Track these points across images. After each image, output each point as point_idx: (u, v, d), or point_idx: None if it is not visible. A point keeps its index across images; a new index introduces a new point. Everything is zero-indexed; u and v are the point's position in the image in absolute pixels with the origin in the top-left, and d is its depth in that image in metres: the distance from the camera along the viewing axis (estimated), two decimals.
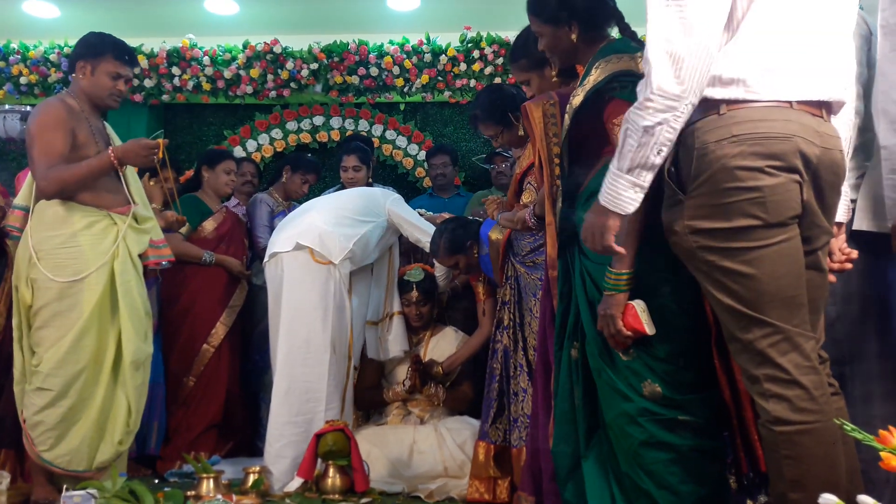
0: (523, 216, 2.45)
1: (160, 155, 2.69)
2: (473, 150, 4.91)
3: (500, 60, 4.67)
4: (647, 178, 1.48)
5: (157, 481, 3.17)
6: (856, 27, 1.63)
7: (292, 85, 4.78)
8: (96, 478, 2.52)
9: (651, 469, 1.67)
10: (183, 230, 3.52)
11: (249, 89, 4.79)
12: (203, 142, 5.01)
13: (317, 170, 4.26)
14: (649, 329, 1.66)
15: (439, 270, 3.48)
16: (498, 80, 4.60)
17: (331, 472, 2.80)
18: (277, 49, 4.74)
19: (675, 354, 1.70)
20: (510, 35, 4.36)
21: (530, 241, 2.64)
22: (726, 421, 1.77)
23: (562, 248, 1.97)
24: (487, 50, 4.68)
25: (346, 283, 3.17)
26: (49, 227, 2.62)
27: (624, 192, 1.49)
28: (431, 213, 3.58)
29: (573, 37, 1.89)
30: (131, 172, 2.84)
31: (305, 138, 4.91)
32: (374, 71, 4.74)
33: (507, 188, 2.94)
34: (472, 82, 4.72)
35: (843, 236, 1.75)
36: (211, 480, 2.62)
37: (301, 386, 3.02)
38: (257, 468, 2.86)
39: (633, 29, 1.94)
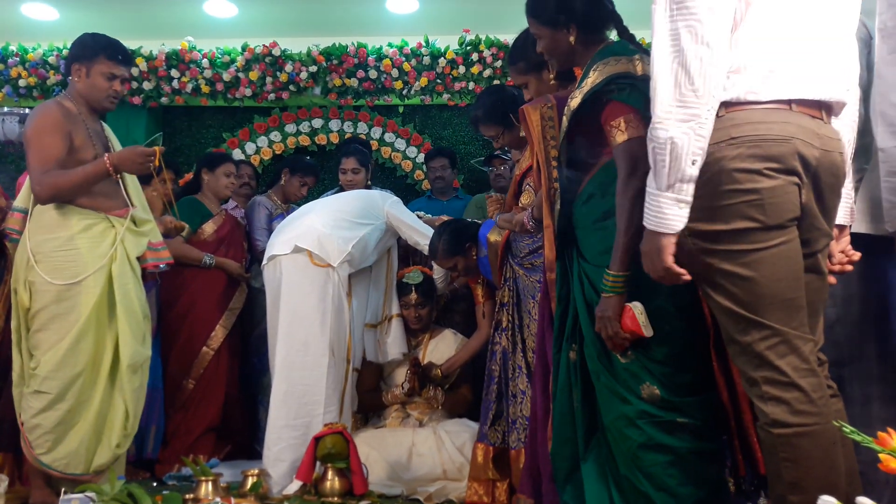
0: (521, 219, 2.45)
1: (157, 163, 2.66)
2: (472, 152, 4.91)
3: (498, 63, 4.68)
4: (688, 191, 1.42)
5: (155, 484, 3.17)
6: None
7: (291, 87, 4.79)
8: (94, 481, 2.51)
9: (650, 471, 1.67)
10: (184, 233, 3.51)
11: (248, 92, 4.80)
12: (202, 144, 5.01)
13: (315, 172, 4.25)
14: (647, 331, 1.66)
15: (438, 273, 3.47)
16: (496, 82, 4.60)
17: (329, 474, 2.80)
18: (276, 52, 4.74)
19: (673, 357, 1.70)
20: (509, 38, 4.34)
21: (529, 243, 2.63)
22: (725, 423, 1.77)
23: (560, 251, 1.97)
24: (486, 53, 4.69)
25: (344, 286, 3.17)
26: (47, 230, 2.61)
27: (668, 209, 1.44)
28: (430, 215, 3.57)
29: (571, 39, 1.89)
30: (130, 175, 2.83)
31: (304, 141, 4.91)
32: (372, 73, 4.74)
33: (506, 191, 2.94)
34: (471, 85, 4.73)
35: (846, 239, 1.74)
36: (209, 483, 2.61)
37: (299, 389, 3.02)
38: (256, 471, 2.85)
39: (631, 32, 1.94)
